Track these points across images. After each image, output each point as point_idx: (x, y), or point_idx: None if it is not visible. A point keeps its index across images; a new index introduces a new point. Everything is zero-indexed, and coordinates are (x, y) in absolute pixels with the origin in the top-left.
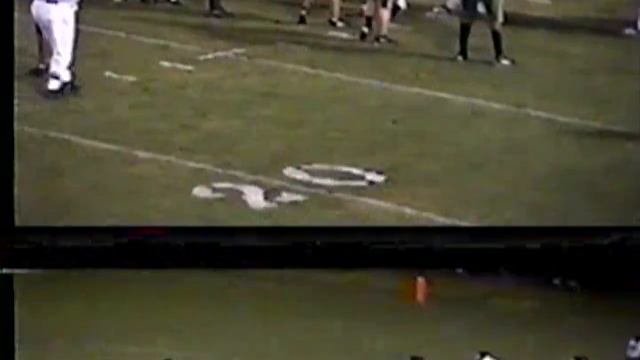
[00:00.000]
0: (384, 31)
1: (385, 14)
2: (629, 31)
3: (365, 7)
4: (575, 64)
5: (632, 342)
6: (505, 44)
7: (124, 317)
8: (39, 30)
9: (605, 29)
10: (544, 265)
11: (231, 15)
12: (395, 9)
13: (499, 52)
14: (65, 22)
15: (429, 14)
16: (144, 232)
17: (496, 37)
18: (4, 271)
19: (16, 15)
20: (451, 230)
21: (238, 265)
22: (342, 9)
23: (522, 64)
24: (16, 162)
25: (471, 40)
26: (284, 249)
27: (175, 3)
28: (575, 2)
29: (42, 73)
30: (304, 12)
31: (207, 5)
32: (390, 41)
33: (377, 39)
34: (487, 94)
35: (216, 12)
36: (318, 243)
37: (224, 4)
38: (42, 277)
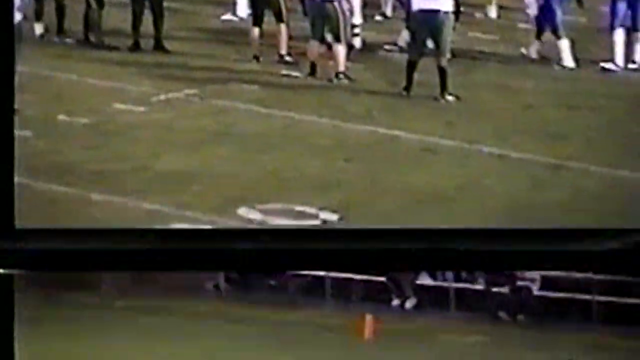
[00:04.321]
0: (341, 67)
1: (341, 50)
2: (608, 65)
3: (308, 49)
4: (525, 98)
5: None
6: (452, 79)
7: None
8: None
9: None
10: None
11: (178, 55)
12: (349, 47)
13: (444, 88)
14: None
15: (380, 52)
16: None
17: (442, 72)
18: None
19: None
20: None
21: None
22: (290, 47)
23: (470, 100)
24: None
25: (418, 76)
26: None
27: (110, 47)
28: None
29: None
30: (256, 51)
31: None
32: (348, 78)
33: (336, 76)
34: (438, 130)
35: (160, 51)
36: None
37: (175, 44)
38: None
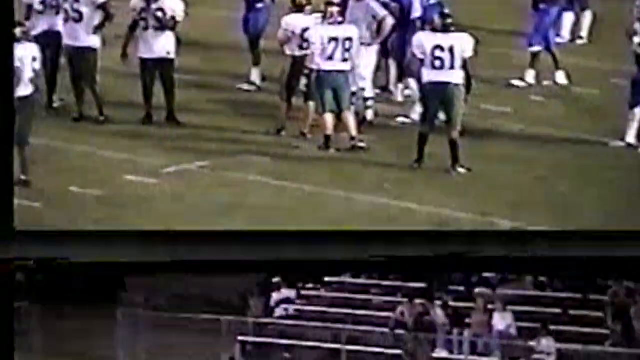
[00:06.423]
0: (354, 132)
1: (351, 117)
2: (615, 143)
3: (323, 122)
4: (537, 170)
5: None
6: (463, 151)
7: None
8: None
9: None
10: None
11: (190, 127)
12: (363, 119)
13: (455, 161)
14: None
15: (392, 123)
16: None
17: (453, 145)
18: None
19: None
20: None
21: None
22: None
23: (481, 172)
24: None
25: (431, 148)
26: None
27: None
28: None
29: None
30: (281, 125)
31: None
32: (361, 142)
33: (352, 139)
34: (450, 203)
35: (172, 123)
36: None
37: (188, 116)
38: None
